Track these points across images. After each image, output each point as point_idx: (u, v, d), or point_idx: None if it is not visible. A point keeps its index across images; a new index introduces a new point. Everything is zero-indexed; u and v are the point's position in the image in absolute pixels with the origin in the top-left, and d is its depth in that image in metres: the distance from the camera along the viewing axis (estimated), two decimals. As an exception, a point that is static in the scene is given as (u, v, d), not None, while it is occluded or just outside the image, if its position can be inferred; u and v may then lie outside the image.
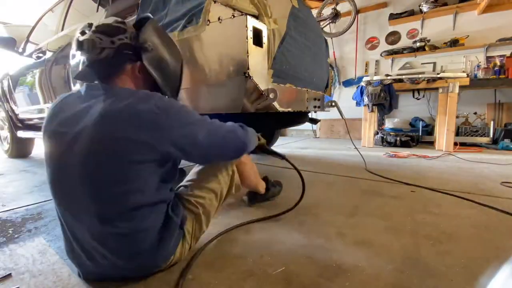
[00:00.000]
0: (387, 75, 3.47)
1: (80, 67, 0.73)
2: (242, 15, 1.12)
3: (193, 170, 0.94)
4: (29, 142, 3.19)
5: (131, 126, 0.64)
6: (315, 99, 1.90)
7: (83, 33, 0.73)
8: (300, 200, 1.21)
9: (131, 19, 1.47)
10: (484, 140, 3.49)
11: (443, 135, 3.12)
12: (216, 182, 0.89)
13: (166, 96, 0.75)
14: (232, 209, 1.28)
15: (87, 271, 0.73)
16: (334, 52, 4.89)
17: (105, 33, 0.71)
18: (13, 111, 2.95)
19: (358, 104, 3.65)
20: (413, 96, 3.74)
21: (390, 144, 3.54)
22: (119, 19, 0.80)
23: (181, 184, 0.91)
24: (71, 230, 0.71)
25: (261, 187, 1.28)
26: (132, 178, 0.66)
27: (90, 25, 0.76)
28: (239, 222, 1.09)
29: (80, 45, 0.70)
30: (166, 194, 0.75)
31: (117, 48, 0.72)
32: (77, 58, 0.74)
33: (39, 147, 3.80)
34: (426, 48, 4.01)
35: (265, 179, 1.35)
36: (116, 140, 0.63)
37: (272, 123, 2.23)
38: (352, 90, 4.50)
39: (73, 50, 0.73)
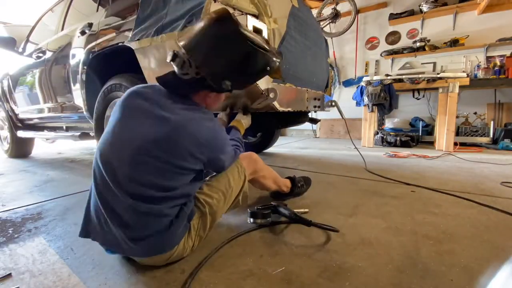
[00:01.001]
0: (387, 75, 3.47)
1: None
2: (242, 14, 1.12)
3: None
4: (29, 142, 3.19)
5: (192, 139, 0.76)
6: (315, 98, 1.90)
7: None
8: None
9: (131, 19, 1.47)
10: (484, 140, 3.49)
11: (443, 135, 3.12)
12: (226, 184, 0.92)
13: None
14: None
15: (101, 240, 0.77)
16: (334, 52, 4.89)
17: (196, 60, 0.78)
18: (13, 111, 2.95)
19: (358, 104, 3.65)
20: (413, 96, 3.74)
21: (390, 144, 3.54)
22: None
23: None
24: (103, 199, 0.75)
25: (284, 186, 1.28)
26: (173, 177, 0.75)
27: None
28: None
29: (174, 58, 0.79)
30: (191, 190, 0.83)
31: (199, 78, 0.79)
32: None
33: (39, 147, 3.80)
34: (426, 48, 4.01)
35: (291, 178, 1.34)
36: (175, 144, 0.74)
37: (272, 122, 2.23)
38: (352, 90, 4.50)
39: (169, 57, 0.80)
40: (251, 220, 1.06)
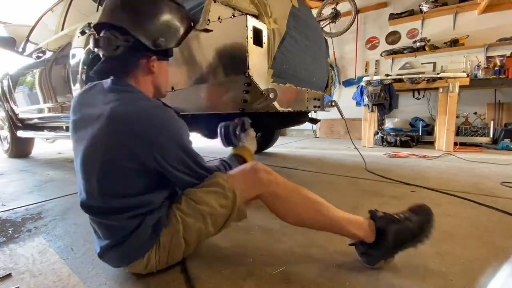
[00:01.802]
0: (387, 75, 3.47)
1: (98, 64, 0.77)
2: (242, 14, 1.12)
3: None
4: (29, 142, 3.19)
5: (129, 133, 0.67)
6: (315, 99, 1.90)
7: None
8: None
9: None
10: (484, 140, 3.49)
11: (443, 135, 3.12)
12: (207, 204, 0.74)
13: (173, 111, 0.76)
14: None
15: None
16: (334, 52, 4.88)
17: (120, 31, 0.73)
18: (13, 110, 2.95)
19: (358, 104, 3.65)
20: (413, 96, 3.74)
21: (390, 144, 3.54)
22: None
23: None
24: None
25: (354, 228, 0.77)
26: (118, 180, 0.69)
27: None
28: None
29: (97, 43, 0.73)
30: (153, 199, 0.74)
31: (132, 45, 0.74)
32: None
33: (39, 147, 3.80)
34: (426, 48, 4.01)
35: (372, 215, 0.80)
36: (114, 144, 0.67)
37: (272, 122, 2.23)
38: (352, 90, 4.50)
39: (91, 47, 0.75)
40: None
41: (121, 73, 0.78)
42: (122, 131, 0.67)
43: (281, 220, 0.81)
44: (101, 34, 0.73)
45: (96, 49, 0.75)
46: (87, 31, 1.78)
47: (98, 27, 0.76)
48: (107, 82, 0.78)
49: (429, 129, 3.93)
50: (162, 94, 0.89)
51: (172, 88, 1.37)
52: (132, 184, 0.71)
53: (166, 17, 0.79)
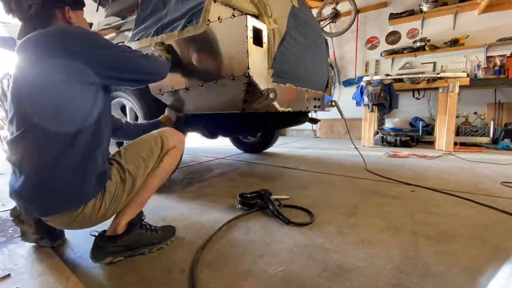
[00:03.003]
0: (387, 75, 3.47)
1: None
2: (242, 14, 1.12)
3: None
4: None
5: (52, 50, 0.70)
6: (315, 98, 1.90)
7: None
8: None
9: (131, 19, 1.47)
10: (484, 140, 3.49)
11: (443, 135, 3.12)
12: (146, 150, 0.86)
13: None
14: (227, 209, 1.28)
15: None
16: (334, 52, 4.88)
17: None
18: (13, 110, 2.95)
19: (358, 104, 3.65)
20: (413, 96, 3.74)
21: (390, 144, 3.54)
22: None
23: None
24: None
25: (131, 214, 0.89)
26: (57, 96, 0.71)
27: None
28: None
29: (8, 7, 0.77)
30: (89, 129, 0.76)
31: (42, 1, 0.78)
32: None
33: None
34: (426, 48, 4.00)
35: (138, 216, 0.92)
36: (42, 63, 0.70)
37: (272, 122, 2.23)
38: (352, 90, 4.50)
39: (5, 12, 0.80)
40: (240, 206, 1.23)
41: (38, 27, 0.77)
42: (52, 48, 0.70)
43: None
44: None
45: (11, 14, 0.79)
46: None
47: None
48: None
49: (429, 129, 3.93)
50: None
51: (172, 88, 1.37)
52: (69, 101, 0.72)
53: None
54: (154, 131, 0.92)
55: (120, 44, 0.85)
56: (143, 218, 0.93)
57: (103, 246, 0.83)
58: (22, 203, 0.75)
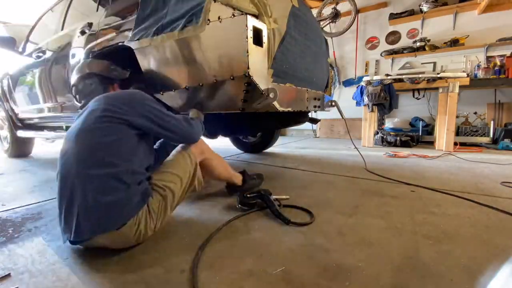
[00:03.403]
0: (387, 75, 3.47)
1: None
2: (242, 14, 1.12)
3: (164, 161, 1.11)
4: (29, 141, 3.19)
5: (114, 108, 0.93)
6: (315, 98, 1.90)
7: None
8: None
9: (131, 19, 1.47)
10: (484, 140, 3.49)
11: (443, 135, 3.12)
12: (180, 169, 1.04)
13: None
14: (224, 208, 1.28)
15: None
16: (334, 52, 4.88)
17: (86, 77, 1.27)
18: (13, 110, 2.95)
19: (358, 104, 3.65)
20: (413, 96, 3.74)
21: (390, 144, 3.54)
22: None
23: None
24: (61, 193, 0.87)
25: (236, 179, 1.39)
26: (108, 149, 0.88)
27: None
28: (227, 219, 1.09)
29: (76, 90, 1.31)
30: (136, 167, 0.92)
31: (100, 80, 1.28)
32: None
33: (39, 147, 3.80)
34: (426, 48, 4.00)
35: (242, 172, 1.46)
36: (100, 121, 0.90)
37: (272, 122, 2.23)
38: (352, 90, 4.50)
39: (73, 94, 1.37)
40: (240, 205, 1.24)
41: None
42: (114, 105, 0.93)
43: (208, 176, 1.28)
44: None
45: (77, 96, 1.31)
46: (87, 31, 1.78)
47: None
48: None
49: (429, 129, 3.93)
50: None
51: (172, 89, 1.37)
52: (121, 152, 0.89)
53: None
54: (179, 149, 1.13)
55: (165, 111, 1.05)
56: (246, 172, 1.46)
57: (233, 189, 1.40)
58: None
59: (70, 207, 0.82)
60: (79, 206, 0.81)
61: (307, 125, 4.56)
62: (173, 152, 1.12)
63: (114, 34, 1.59)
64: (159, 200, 0.94)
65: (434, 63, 4.07)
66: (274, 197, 1.22)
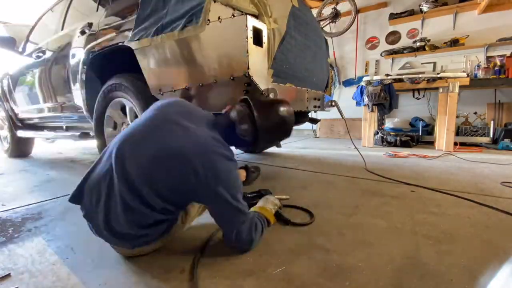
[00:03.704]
0: (387, 75, 3.47)
1: None
2: (242, 14, 1.12)
3: None
4: (29, 141, 3.19)
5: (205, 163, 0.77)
6: (315, 98, 1.91)
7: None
8: None
9: (131, 19, 1.47)
10: (484, 140, 3.49)
11: (443, 135, 3.12)
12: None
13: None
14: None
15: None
16: (334, 52, 4.88)
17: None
18: (13, 110, 2.95)
19: (358, 104, 3.65)
20: (413, 96, 3.74)
21: (390, 144, 3.54)
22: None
23: None
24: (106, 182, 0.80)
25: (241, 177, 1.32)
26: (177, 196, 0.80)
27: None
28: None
29: (243, 119, 0.91)
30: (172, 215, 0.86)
31: (251, 139, 0.94)
32: None
33: (39, 147, 3.80)
34: (426, 48, 4.00)
35: (244, 168, 1.37)
36: (187, 160, 0.76)
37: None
38: (352, 90, 4.50)
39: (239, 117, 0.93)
40: None
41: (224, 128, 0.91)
42: (199, 168, 0.75)
43: None
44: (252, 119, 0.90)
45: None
46: (87, 31, 1.78)
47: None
48: (212, 117, 0.94)
49: (429, 129, 3.93)
50: None
51: (172, 88, 1.37)
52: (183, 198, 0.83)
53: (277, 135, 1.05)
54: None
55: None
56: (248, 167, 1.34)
57: None
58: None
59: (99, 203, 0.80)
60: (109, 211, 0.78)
61: (307, 125, 4.54)
62: None
63: (114, 34, 1.59)
64: (178, 223, 0.91)
65: (434, 63, 4.07)
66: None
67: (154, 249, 0.87)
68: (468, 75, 3.09)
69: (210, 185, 0.76)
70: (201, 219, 1.16)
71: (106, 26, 1.66)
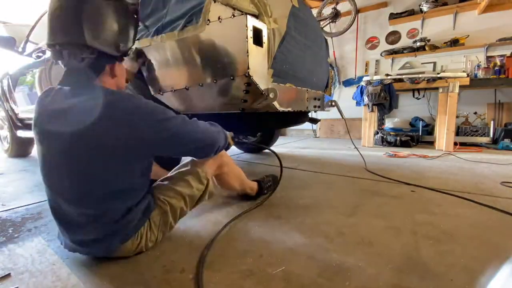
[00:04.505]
0: (387, 75, 3.47)
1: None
2: (242, 14, 1.12)
3: (173, 170, 1.03)
4: (28, 141, 3.18)
5: (110, 123, 0.73)
6: (315, 98, 1.91)
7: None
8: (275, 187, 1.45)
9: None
10: (484, 140, 3.49)
11: (443, 135, 3.12)
12: (186, 187, 0.96)
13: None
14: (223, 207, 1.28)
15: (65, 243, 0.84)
16: (334, 51, 4.88)
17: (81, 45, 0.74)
18: (13, 110, 2.95)
19: (358, 104, 3.65)
20: (413, 96, 3.74)
21: (390, 144, 3.54)
22: None
23: (160, 180, 1.00)
24: (58, 210, 0.81)
25: (250, 189, 1.32)
26: (107, 168, 0.76)
27: None
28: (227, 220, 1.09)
29: (59, 55, 0.75)
30: (138, 186, 0.84)
31: (96, 56, 0.77)
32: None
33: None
34: (426, 48, 4.00)
35: (258, 181, 1.39)
36: (97, 136, 0.72)
37: (272, 122, 2.23)
38: (352, 90, 4.50)
39: (52, 58, 0.80)
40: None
41: (88, 81, 0.79)
42: (116, 118, 0.73)
43: (222, 187, 1.22)
44: (65, 48, 0.75)
45: (59, 62, 0.78)
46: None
47: (56, 46, 0.75)
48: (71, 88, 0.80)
49: (429, 129, 3.93)
50: None
51: (172, 88, 1.37)
52: (119, 170, 0.78)
53: (116, 19, 0.80)
54: (188, 163, 1.02)
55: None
56: (263, 180, 1.43)
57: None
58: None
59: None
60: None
61: (307, 125, 4.55)
62: (184, 166, 1.02)
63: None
64: (161, 213, 0.90)
65: (434, 63, 4.07)
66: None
67: (140, 241, 0.85)
68: (468, 75, 3.09)
69: (137, 134, 0.74)
70: (201, 220, 1.16)
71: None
